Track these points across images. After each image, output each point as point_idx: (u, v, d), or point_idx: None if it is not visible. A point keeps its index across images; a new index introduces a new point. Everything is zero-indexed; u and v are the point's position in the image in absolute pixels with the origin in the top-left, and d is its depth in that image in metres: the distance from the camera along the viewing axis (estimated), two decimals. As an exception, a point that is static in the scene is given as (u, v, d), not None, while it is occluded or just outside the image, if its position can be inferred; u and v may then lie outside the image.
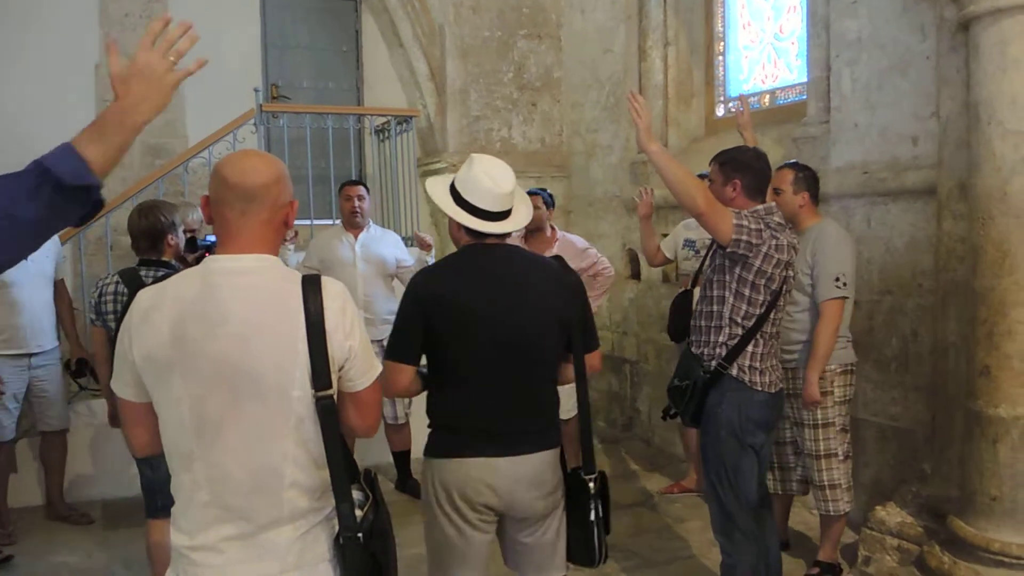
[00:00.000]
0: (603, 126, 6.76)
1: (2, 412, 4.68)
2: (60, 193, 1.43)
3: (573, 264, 3.43)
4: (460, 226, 2.55)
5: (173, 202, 4.17)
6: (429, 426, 2.60)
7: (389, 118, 6.61)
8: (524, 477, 2.50)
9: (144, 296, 1.81)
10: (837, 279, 3.73)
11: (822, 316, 3.75)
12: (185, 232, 3.85)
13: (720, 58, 6.13)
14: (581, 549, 2.65)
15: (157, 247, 3.66)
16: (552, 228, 5.08)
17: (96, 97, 6.30)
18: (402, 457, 5.34)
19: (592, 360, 2.68)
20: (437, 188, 2.60)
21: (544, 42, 7.24)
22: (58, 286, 4.94)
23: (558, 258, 2.93)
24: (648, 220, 4.87)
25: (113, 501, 5.18)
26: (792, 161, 4.13)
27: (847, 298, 3.79)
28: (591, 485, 2.61)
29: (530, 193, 4.19)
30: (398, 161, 6.51)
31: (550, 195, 5.13)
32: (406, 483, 5.29)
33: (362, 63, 7.49)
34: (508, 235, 2.60)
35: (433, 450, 2.57)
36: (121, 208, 5.65)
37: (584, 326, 2.64)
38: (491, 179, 2.50)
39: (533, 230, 4.87)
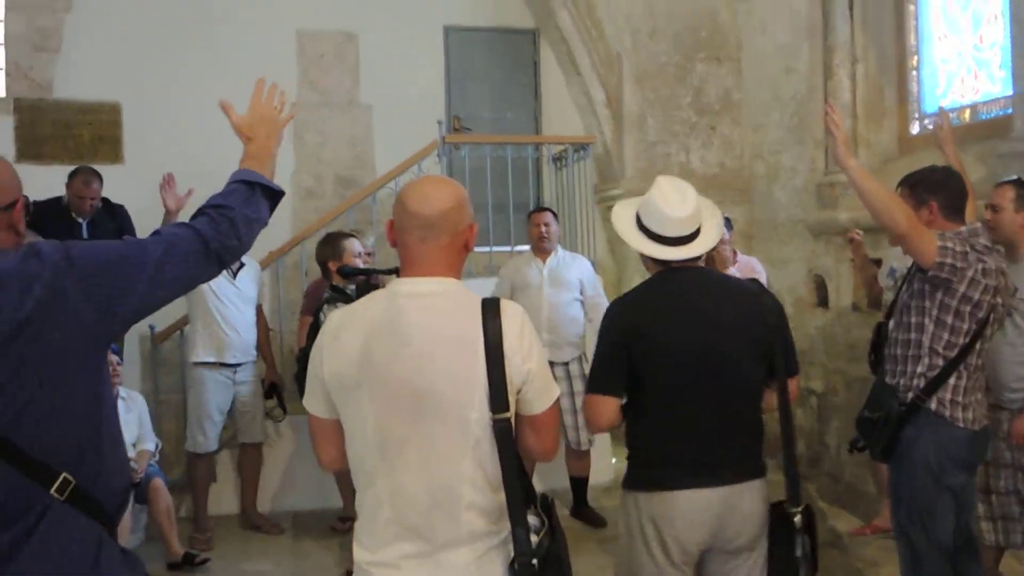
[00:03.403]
0: (787, 147, 6.52)
1: (209, 425, 5.05)
2: (268, 196, 1.93)
3: None
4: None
5: (345, 232, 4.79)
6: (629, 458, 2.56)
7: (566, 146, 6.66)
8: (736, 507, 2.43)
9: (335, 317, 1.91)
10: None
11: None
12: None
13: (914, 73, 5.79)
14: None
15: (325, 273, 4.39)
16: (735, 252, 4.95)
17: (293, 132, 6.72)
18: (580, 483, 5.31)
19: (790, 386, 2.58)
20: (622, 215, 2.58)
21: (723, 64, 7.10)
22: (258, 310, 5.30)
23: (755, 281, 2.82)
24: (859, 249, 4.66)
25: (303, 513, 5.46)
26: (1014, 177, 3.81)
27: None
28: (796, 519, 2.49)
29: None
30: (575, 188, 6.55)
31: (727, 218, 5.02)
32: (581, 510, 5.26)
33: (540, 93, 7.60)
34: (698, 258, 2.53)
35: (638, 483, 2.51)
36: (315, 236, 5.99)
37: (785, 350, 2.54)
38: (668, 204, 2.45)
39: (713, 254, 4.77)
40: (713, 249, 2.72)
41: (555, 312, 5.13)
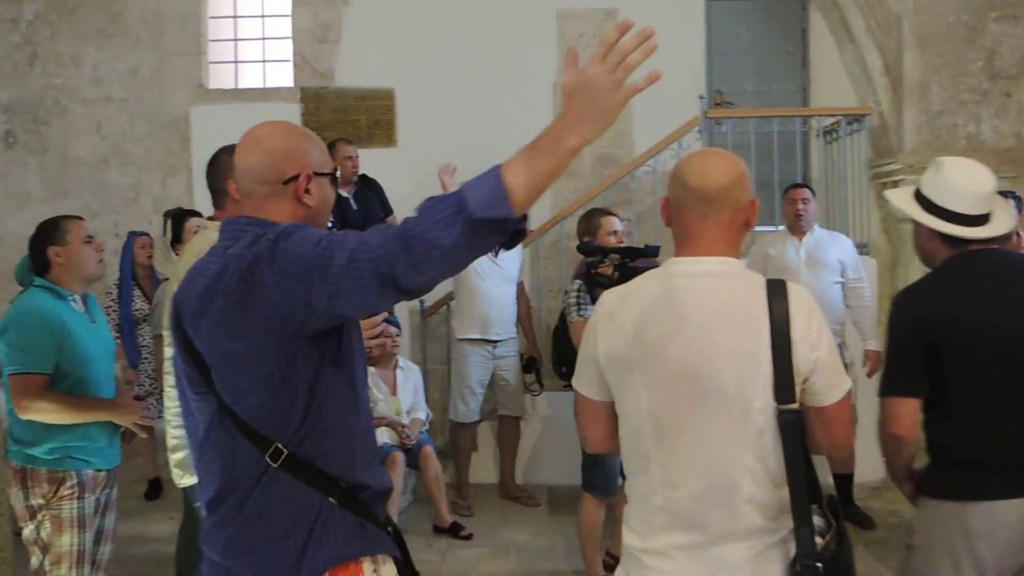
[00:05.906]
0: (1101, 115, 5.72)
1: (470, 396, 5.28)
2: (472, 225, 1.37)
3: None
4: (933, 236, 2.30)
5: (604, 209, 4.66)
6: (931, 462, 2.32)
7: (838, 118, 6.24)
8: None
9: (609, 297, 1.87)
10: None
11: None
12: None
13: None
14: None
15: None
16: (1018, 235, 4.42)
17: (554, 115, 6.76)
18: (844, 481, 5.00)
19: None
20: (901, 198, 2.39)
21: (1021, 23, 6.33)
22: (519, 287, 5.45)
23: None
24: None
25: (558, 487, 5.55)
26: None
27: None
28: None
29: (996, 195, 3.68)
30: (847, 164, 6.13)
31: (1017, 198, 4.48)
32: (848, 509, 4.94)
33: (808, 63, 7.17)
34: (993, 240, 2.28)
35: (945, 491, 2.25)
36: (574, 215, 6.03)
37: None
38: (970, 179, 2.24)
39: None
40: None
41: (815, 296, 4.81)
